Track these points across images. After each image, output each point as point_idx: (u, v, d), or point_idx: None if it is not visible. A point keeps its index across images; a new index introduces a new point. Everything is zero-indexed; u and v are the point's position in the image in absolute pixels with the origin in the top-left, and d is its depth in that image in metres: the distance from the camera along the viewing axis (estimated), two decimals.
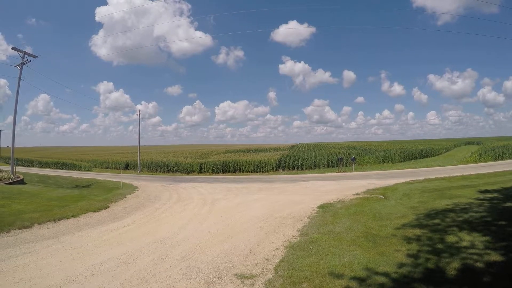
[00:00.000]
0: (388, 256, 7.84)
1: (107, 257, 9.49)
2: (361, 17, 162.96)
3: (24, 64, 31.25)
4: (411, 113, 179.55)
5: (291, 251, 9.07)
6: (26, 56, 31.41)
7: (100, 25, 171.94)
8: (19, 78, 31.33)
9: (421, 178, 24.55)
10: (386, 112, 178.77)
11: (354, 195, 18.74)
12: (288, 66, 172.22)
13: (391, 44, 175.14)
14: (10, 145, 34.43)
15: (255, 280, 7.26)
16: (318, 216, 13.59)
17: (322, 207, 15.58)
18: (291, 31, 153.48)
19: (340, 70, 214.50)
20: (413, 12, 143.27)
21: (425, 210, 12.85)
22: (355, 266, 7.33)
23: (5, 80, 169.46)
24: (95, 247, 10.69)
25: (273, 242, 10.18)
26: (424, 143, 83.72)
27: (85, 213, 16.17)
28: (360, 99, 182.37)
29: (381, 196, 17.41)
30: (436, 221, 10.87)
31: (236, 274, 7.68)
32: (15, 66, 31.59)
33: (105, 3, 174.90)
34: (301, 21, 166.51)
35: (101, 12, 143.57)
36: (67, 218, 14.89)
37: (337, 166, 43.64)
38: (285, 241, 10.22)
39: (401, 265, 7.24)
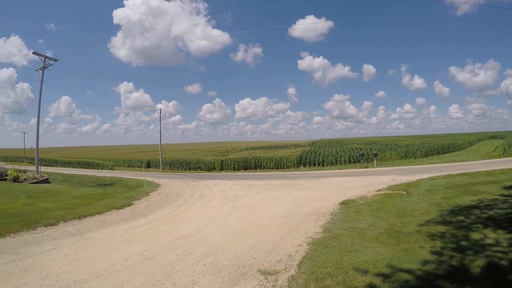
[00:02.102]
0: (411, 253, 7.78)
1: (132, 253, 9.66)
2: (379, 9, 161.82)
3: (45, 67, 32.12)
4: (432, 107, 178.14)
5: (314, 247, 9.08)
6: (47, 60, 32.33)
7: (118, 27, 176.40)
8: (41, 82, 32.18)
9: (444, 173, 24.18)
10: (407, 106, 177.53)
11: (377, 191, 18.66)
12: (307, 62, 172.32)
13: (410, 37, 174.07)
14: (34, 146, 35.17)
15: (278, 276, 7.29)
16: (340, 213, 13.57)
17: (345, 203, 15.54)
18: (308, 26, 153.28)
19: (359, 64, 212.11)
20: (431, 3, 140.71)
21: (448, 206, 12.64)
22: (378, 263, 7.30)
23: (28, 84, 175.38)
24: (120, 244, 10.90)
25: (296, 239, 10.21)
26: (447, 138, 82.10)
27: (109, 210, 16.55)
28: (380, 93, 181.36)
29: (404, 192, 17.25)
30: (460, 217, 10.71)
31: (259, 270, 7.73)
32: (36, 70, 32.52)
33: (122, 6, 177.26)
34: (318, 16, 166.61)
35: (118, 15, 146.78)
36: (92, 216, 15.26)
37: (358, 162, 43.36)
38: (307, 237, 10.23)
39: (425, 262, 7.18)
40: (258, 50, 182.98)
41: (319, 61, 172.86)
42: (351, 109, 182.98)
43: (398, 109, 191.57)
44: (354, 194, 17.94)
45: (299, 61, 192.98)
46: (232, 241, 10.43)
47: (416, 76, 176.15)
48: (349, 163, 45.90)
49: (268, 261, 8.38)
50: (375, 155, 41.68)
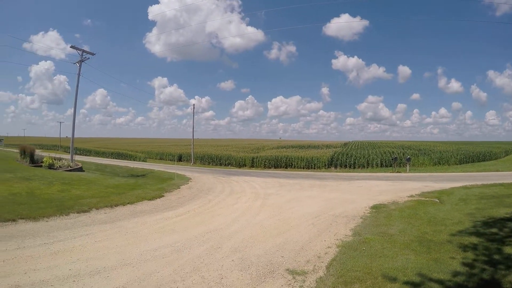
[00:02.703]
0: (442, 263, 7.66)
1: (161, 244, 9.86)
2: (415, 9, 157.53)
3: (82, 61, 33.18)
4: (469, 112, 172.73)
5: (344, 250, 9.05)
6: (84, 54, 33.30)
7: (153, 23, 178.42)
8: (78, 74, 33.33)
9: (479, 183, 23.43)
10: (442, 111, 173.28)
11: (408, 197, 18.39)
12: (341, 61, 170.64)
13: (448, 38, 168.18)
14: (69, 136, 36.32)
15: (306, 277, 7.30)
16: (371, 217, 13.48)
17: (375, 207, 15.43)
18: (343, 25, 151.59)
19: (394, 65, 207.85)
20: (469, 3, 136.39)
21: (482, 217, 12.30)
22: (408, 271, 7.21)
23: (65, 76, 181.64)
24: (150, 234, 11.13)
25: (325, 240, 10.20)
26: (482, 145, 79.17)
27: (141, 201, 16.93)
28: (415, 96, 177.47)
29: (436, 200, 16.92)
30: (494, 230, 10.42)
31: (287, 269, 7.76)
32: (74, 63, 33.65)
33: (157, 2, 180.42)
34: (353, 15, 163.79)
35: (153, 11, 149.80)
36: (123, 205, 15.66)
37: (391, 166, 42.74)
38: (337, 239, 10.21)
39: (455, 273, 7.06)
40: (292, 48, 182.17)
41: (354, 60, 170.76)
42: (384, 111, 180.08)
43: (433, 113, 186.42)
44: (386, 199, 17.78)
45: (333, 61, 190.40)
46: (261, 239, 10.50)
47: (452, 80, 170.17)
48: (381, 166, 45.35)
49: (296, 260, 8.41)
50: (408, 159, 40.97)
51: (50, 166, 28.69)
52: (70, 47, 33.05)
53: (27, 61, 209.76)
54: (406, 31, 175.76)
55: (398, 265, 7.62)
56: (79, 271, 7.58)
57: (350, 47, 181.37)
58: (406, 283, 6.68)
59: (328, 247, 9.49)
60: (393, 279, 6.84)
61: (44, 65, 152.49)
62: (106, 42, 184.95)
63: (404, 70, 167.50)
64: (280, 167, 48.76)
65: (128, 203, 16.06)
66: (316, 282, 7.02)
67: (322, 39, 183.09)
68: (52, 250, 9.14)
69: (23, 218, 12.14)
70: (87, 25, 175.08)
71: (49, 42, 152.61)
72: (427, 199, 17.52)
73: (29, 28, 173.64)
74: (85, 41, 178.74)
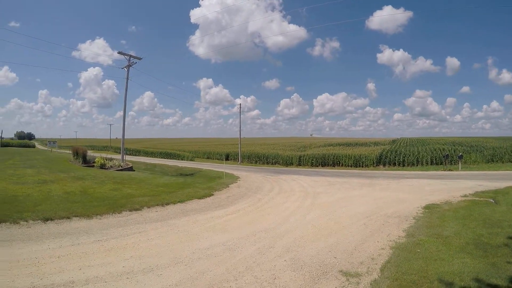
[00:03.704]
0: (499, 268, 7.43)
1: (213, 243, 10.06)
2: None
3: (130, 66, 34.51)
4: None
5: (397, 252, 8.94)
6: (131, 58, 34.64)
7: (195, 26, 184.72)
8: (127, 78, 34.63)
9: None
10: (494, 104, 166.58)
11: (462, 196, 17.87)
12: (386, 55, 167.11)
13: (497, 26, 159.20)
14: (119, 137, 37.70)
15: (360, 279, 7.26)
16: (424, 217, 13.18)
17: (428, 207, 15.09)
18: (386, 18, 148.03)
19: (442, 57, 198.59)
20: None
21: None
22: (465, 275, 7.05)
23: (113, 81, 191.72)
24: (201, 232, 11.36)
25: (378, 241, 10.12)
26: None
27: (191, 199, 17.27)
28: (465, 89, 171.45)
29: (491, 200, 16.34)
30: None
31: (341, 271, 7.74)
32: (122, 68, 35.08)
33: (198, 6, 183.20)
34: (396, 6, 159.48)
35: (195, 14, 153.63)
36: (174, 204, 16.04)
37: (441, 163, 41.52)
38: (390, 241, 10.10)
39: None
40: (335, 44, 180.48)
41: (399, 54, 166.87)
42: (433, 106, 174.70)
43: (485, 106, 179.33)
44: (438, 199, 17.33)
45: (378, 55, 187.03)
46: (313, 239, 10.52)
47: (504, 70, 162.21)
48: (431, 164, 43.73)
49: (349, 262, 8.38)
50: (460, 157, 39.48)
51: (102, 166, 30.13)
52: (118, 52, 34.45)
53: (77, 68, 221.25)
54: (452, 21, 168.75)
55: (455, 269, 7.45)
56: (132, 268, 7.88)
57: (395, 40, 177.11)
58: None
59: (382, 248, 9.41)
60: (450, 284, 6.71)
61: (92, 71, 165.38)
62: (151, 47, 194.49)
63: (453, 62, 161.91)
64: (327, 165, 48.24)
65: (179, 202, 16.45)
66: (371, 285, 6.96)
67: (365, 33, 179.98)
68: (106, 247, 9.56)
69: (77, 216, 12.75)
70: (132, 31, 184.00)
71: (97, 49, 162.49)
72: (482, 199, 16.97)
73: (78, 37, 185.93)
74: (131, 46, 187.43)
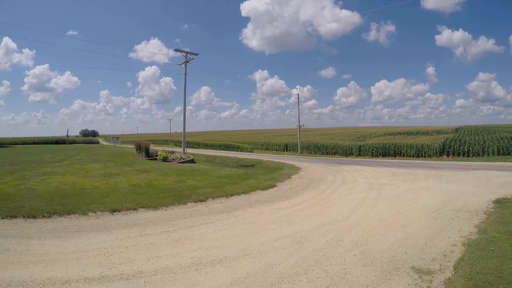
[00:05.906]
0: None
1: (280, 235, 10.05)
2: None
3: (187, 62, 35.70)
4: None
5: (470, 249, 8.52)
6: (188, 55, 35.69)
7: (247, 19, 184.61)
8: (185, 74, 35.85)
9: None
10: None
11: None
12: (445, 36, 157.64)
13: None
14: (178, 131, 39.30)
15: (433, 277, 7.00)
16: (495, 212, 12.46)
17: (499, 202, 14.24)
18: None
19: (505, 35, 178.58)
20: None
21: None
22: None
23: (170, 78, 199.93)
24: (267, 224, 11.40)
25: (449, 237, 9.71)
26: None
27: (254, 190, 17.48)
28: None
29: None
30: None
31: (412, 268, 7.50)
32: (179, 65, 36.30)
33: None
34: None
35: (246, 8, 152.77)
36: (238, 195, 16.29)
37: (509, 153, 39.34)
38: (461, 237, 9.66)
39: None
40: (390, 28, 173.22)
41: (459, 34, 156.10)
42: (498, 90, 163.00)
43: None
44: (509, 192, 16.34)
45: (437, 36, 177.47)
46: (382, 232, 10.27)
47: None
48: (498, 154, 41.08)
49: (421, 258, 8.10)
50: None
51: (164, 159, 31.44)
52: (174, 50, 35.97)
53: (135, 68, 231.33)
54: None
55: None
56: (201, 260, 8.02)
57: (454, 20, 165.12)
58: None
59: (453, 244, 9.02)
60: None
61: (150, 70, 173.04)
62: (204, 43, 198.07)
63: None
64: (388, 156, 47.26)
65: (242, 193, 16.70)
66: (445, 284, 6.68)
67: (421, 14, 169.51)
68: (173, 238, 9.84)
69: (143, 207, 13.30)
70: (185, 30, 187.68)
71: (152, 49, 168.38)
72: None
73: (133, 39, 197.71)
74: (185, 44, 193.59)
